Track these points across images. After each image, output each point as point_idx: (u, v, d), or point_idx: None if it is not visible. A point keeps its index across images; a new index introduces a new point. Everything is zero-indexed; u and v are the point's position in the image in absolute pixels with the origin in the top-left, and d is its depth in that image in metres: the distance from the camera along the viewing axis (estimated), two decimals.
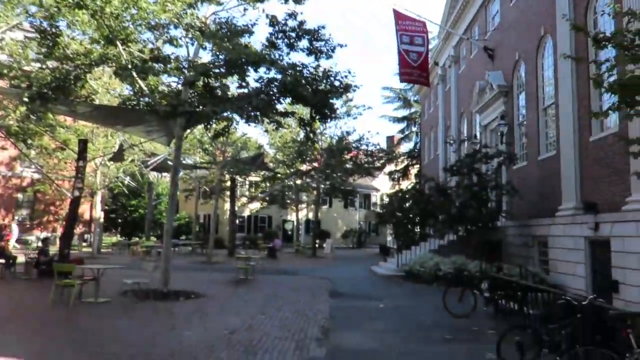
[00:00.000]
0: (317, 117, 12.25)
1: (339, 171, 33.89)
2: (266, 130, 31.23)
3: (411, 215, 25.12)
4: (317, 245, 34.95)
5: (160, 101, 12.33)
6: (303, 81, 11.11)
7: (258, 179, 36.51)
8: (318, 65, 11.73)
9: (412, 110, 45.28)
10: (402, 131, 47.07)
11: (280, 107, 12.64)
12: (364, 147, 33.07)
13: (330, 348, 8.13)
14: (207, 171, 32.28)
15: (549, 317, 6.86)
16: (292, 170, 34.85)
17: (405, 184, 44.66)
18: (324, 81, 11.38)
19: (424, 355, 7.86)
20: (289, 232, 48.56)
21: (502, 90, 19.80)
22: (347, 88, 11.56)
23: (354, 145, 32.87)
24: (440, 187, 19.72)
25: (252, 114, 11.73)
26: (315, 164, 33.91)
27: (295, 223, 40.34)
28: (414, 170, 45.25)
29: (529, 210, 17.21)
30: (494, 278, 11.12)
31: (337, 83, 11.36)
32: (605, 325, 6.64)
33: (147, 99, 12.67)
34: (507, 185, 17.24)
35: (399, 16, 22.12)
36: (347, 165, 34.56)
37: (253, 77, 12.25)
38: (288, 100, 11.87)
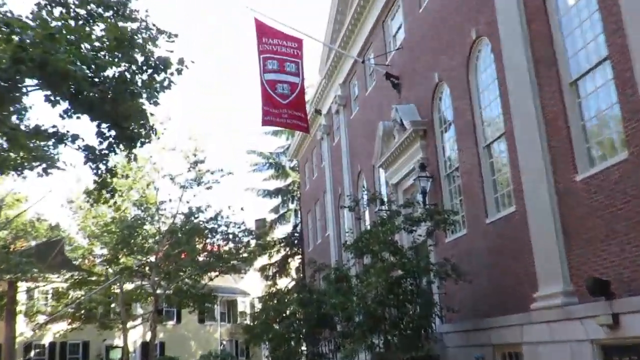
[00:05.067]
0: (114, 140, 7.74)
1: (187, 266, 28.85)
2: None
3: (295, 325, 20.94)
4: None
5: None
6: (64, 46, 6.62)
7: (64, 284, 29.98)
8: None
9: (289, 180, 42.09)
10: (275, 210, 43.28)
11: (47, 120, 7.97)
12: (222, 228, 28.47)
13: None
14: None
15: None
16: (116, 268, 29.05)
17: (284, 283, 40.78)
18: (116, 55, 6.90)
19: None
20: None
21: (418, 130, 17.14)
22: (162, 66, 7.17)
23: (208, 226, 28.18)
24: (340, 276, 15.74)
25: None
26: (152, 258, 28.63)
27: (124, 349, 33.64)
28: (294, 263, 41.81)
29: (478, 304, 13.78)
30: None
31: (140, 57, 6.89)
32: None
33: None
34: (447, 264, 13.45)
35: (262, 30, 18.69)
36: (200, 258, 29.76)
37: None
38: (34, 81, 7.16)
